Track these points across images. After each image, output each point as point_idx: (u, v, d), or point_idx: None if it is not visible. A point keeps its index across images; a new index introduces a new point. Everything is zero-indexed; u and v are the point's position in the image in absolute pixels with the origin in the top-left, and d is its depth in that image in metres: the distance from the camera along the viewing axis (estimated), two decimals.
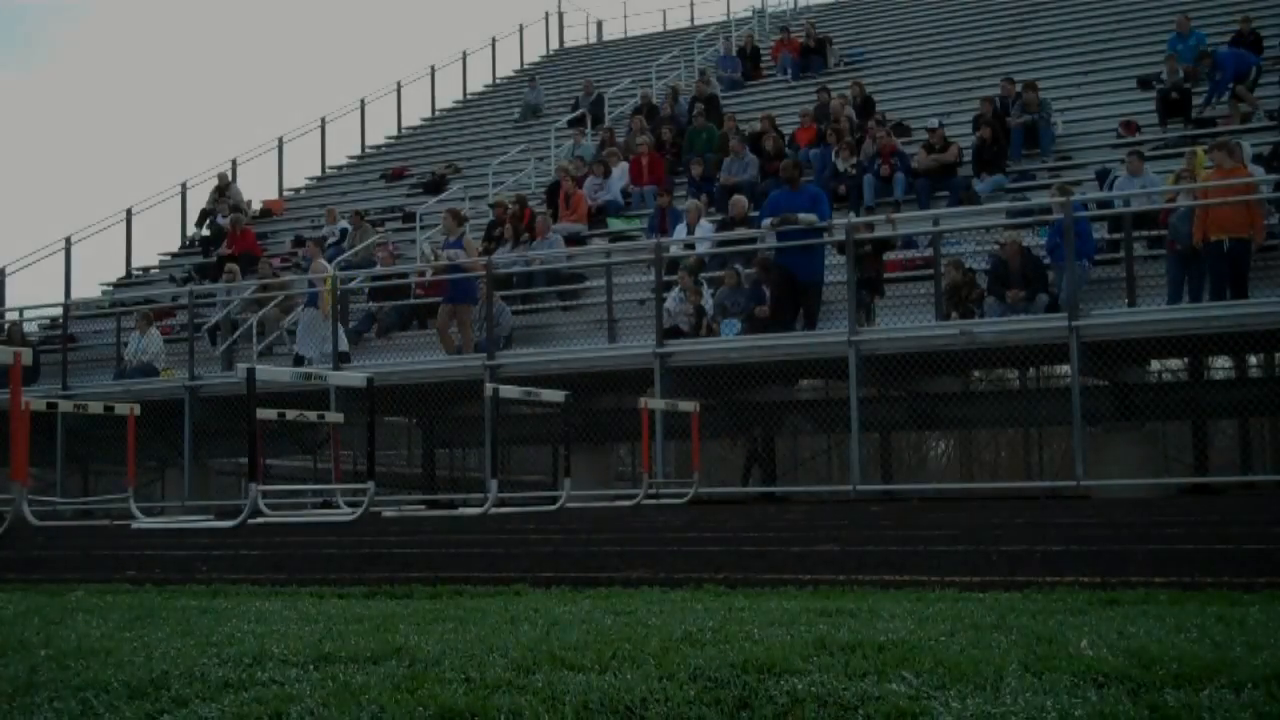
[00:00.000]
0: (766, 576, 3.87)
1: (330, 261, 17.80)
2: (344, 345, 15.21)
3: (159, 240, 58.20)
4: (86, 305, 20.26)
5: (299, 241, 21.07)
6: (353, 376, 11.47)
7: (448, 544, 6.34)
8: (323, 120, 26.42)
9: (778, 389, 14.58)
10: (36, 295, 43.54)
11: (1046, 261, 12.60)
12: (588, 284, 16.05)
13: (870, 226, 13.65)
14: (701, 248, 15.16)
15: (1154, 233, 12.94)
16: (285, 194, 25.29)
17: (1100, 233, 13.31)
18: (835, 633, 2.49)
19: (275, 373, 10.14)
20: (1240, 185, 11.95)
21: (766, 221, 13.41)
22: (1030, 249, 12.68)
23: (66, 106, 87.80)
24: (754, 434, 14.83)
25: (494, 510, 10.78)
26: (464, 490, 17.33)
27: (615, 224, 17.91)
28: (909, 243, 14.45)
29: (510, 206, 17.76)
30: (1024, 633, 2.44)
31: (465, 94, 30.09)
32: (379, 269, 17.17)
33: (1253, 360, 16.81)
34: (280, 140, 25.37)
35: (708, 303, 13.88)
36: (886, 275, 13.86)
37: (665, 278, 13.68)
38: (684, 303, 13.80)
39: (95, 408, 11.47)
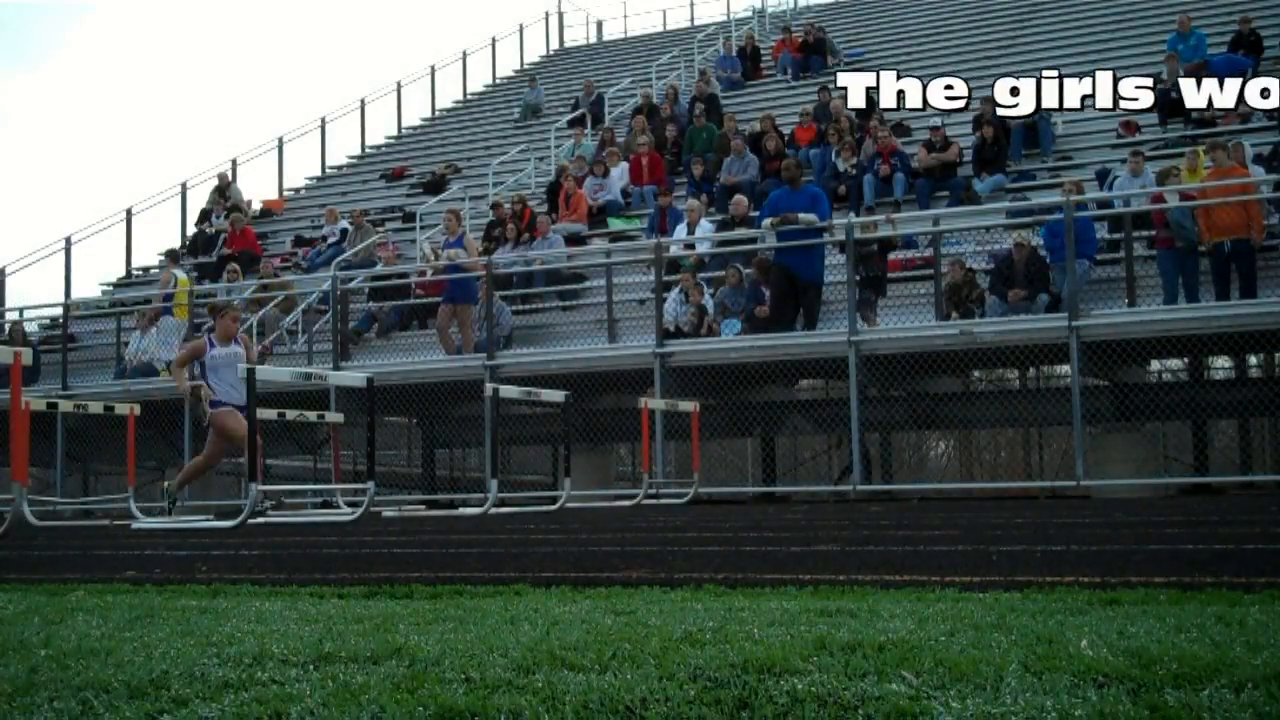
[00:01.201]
0: (766, 576, 3.87)
1: (330, 262, 17.81)
2: (170, 356, 15.58)
3: (159, 240, 58.16)
4: (86, 305, 20.26)
5: (300, 241, 21.09)
6: (353, 376, 11.47)
7: (448, 544, 6.34)
8: (323, 120, 26.44)
9: (778, 389, 14.59)
10: (36, 295, 43.60)
11: (1049, 262, 12.61)
12: (588, 284, 16.05)
13: (875, 226, 13.66)
14: (701, 248, 15.17)
15: (1154, 233, 12.95)
16: (285, 194, 25.30)
17: (1100, 232, 13.33)
18: (835, 633, 2.49)
19: (275, 373, 10.14)
20: (1238, 185, 11.95)
21: (766, 221, 13.41)
22: (1035, 249, 12.70)
23: (66, 106, 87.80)
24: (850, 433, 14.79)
25: (494, 510, 10.78)
26: (464, 490, 17.33)
27: (615, 224, 17.92)
28: (909, 243, 14.47)
29: (510, 206, 17.77)
30: (1024, 633, 2.44)
31: (465, 94, 30.09)
32: (379, 269, 17.18)
33: (1253, 360, 16.81)
34: (280, 140, 25.38)
35: (709, 303, 13.88)
36: (887, 275, 13.88)
37: (666, 278, 13.68)
38: (685, 303, 13.80)
39: (95, 408, 11.47)
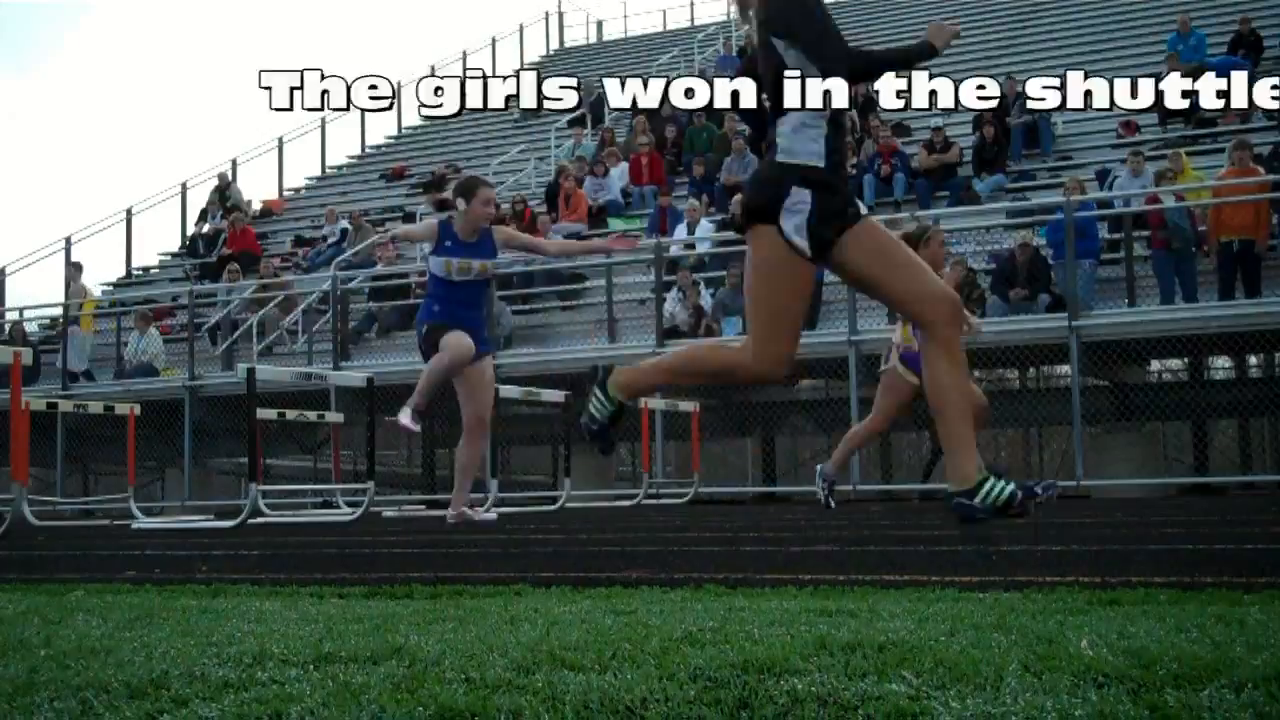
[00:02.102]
0: (766, 576, 3.87)
1: (330, 262, 17.81)
2: (83, 365, 16.53)
3: (159, 240, 58.15)
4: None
5: (300, 241, 21.08)
6: (353, 376, 11.47)
7: (448, 544, 6.34)
8: (323, 120, 26.43)
9: (778, 389, 14.58)
10: (36, 295, 43.56)
11: (1051, 261, 12.61)
12: (588, 284, 16.05)
13: (905, 223, 13.69)
14: (701, 248, 15.17)
15: (1151, 234, 12.96)
16: (285, 194, 25.30)
17: (1101, 232, 13.34)
18: (835, 633, 2.49)
19: (275, 373, 10.14)
20: (1256, 184, 11.96)
21: None
22: (1038, 249, 12.71)
23: (66, 106, 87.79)
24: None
25: (494, 510, 10.77)
26: None
27: (615, 224, 17.92)
28: None
29: (511, 206, 17.77)
30: (1024, 633, 2.44)
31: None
32: (379, 269, 17.18)
33: (1253, 360, 16.82)
34: (280, 140, 25.38)
35: (706, 303, 13.88)
36: None
37: (666, 278, 13.68)
38: (684, 302, 13.81)
39: (95, 408, 11.46)
